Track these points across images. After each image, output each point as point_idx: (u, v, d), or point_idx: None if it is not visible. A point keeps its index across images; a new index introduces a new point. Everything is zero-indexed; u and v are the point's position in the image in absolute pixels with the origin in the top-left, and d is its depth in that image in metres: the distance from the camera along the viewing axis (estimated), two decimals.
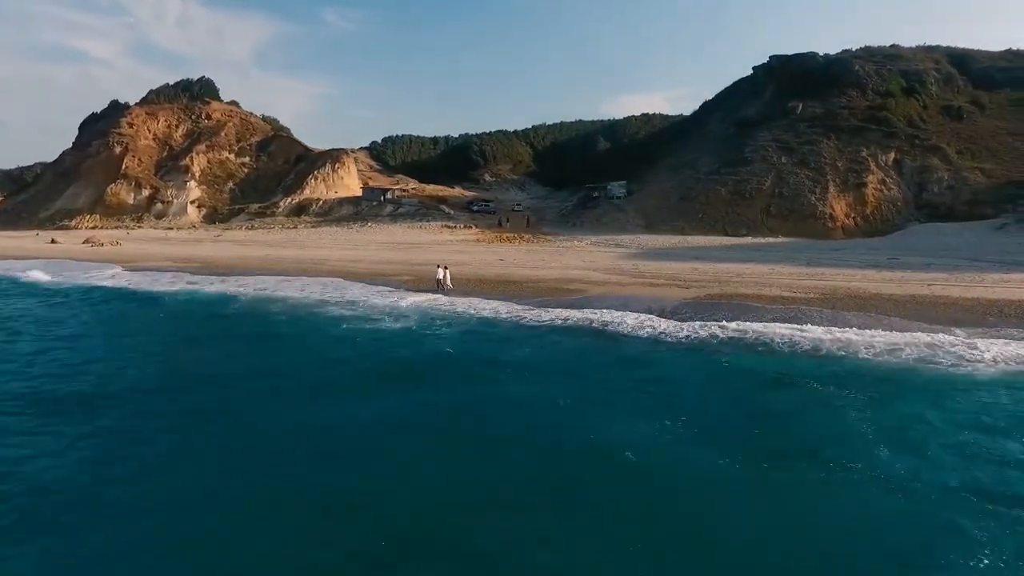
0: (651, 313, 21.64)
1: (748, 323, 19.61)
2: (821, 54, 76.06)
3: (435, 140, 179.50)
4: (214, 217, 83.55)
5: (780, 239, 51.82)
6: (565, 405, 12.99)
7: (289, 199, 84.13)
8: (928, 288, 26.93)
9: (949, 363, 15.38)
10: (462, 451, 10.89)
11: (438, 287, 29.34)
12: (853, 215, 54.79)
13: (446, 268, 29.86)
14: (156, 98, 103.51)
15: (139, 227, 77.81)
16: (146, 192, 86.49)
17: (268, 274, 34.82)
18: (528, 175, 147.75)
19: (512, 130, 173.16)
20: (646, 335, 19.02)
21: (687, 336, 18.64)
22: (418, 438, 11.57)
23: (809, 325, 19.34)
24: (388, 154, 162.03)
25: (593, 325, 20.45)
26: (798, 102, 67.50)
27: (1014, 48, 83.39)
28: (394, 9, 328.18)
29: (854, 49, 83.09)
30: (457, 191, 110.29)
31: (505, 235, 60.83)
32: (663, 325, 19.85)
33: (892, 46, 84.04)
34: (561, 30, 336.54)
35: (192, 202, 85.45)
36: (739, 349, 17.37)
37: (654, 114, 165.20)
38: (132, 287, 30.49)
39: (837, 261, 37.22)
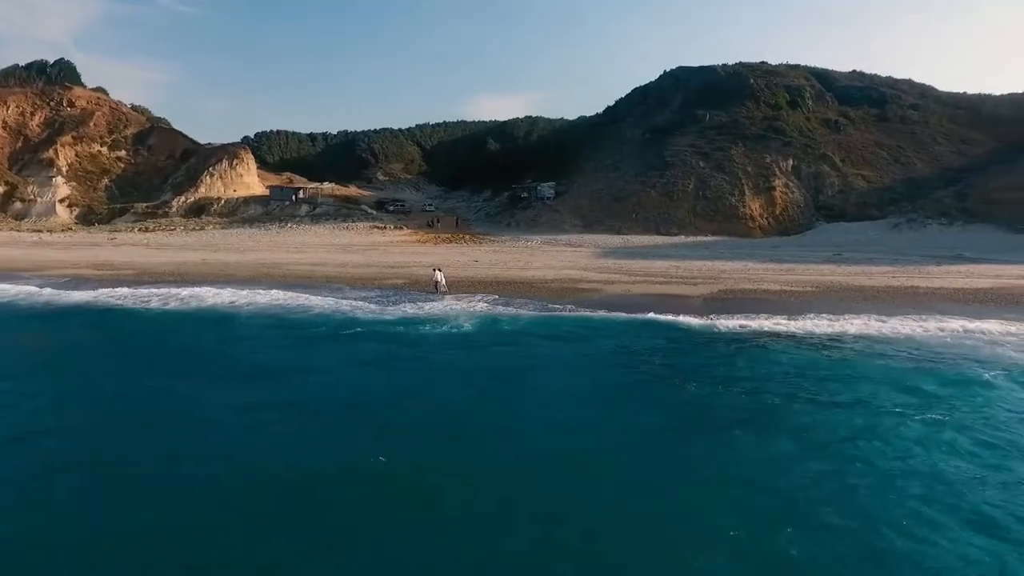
0: (689, 314, 22.44)
1: (798, 320, 21.49)
2: (719, 65, 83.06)
3: (313, 136, 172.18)
4: (90, 218, 73.60)
5: (710, 237, 56.11)
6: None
7: (182, 198, 76.30)
8: (897, 280, 30.93)
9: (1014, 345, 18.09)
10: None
11: (435, 290, 28.76)
12: (766, 216, 60.69)
13: (440, 270, 29.54)
14: (3, 80, 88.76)
15: None
16: None
17: (232, 283, 30.65)
18: (421, 175, 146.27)
19: (398, 128, 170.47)
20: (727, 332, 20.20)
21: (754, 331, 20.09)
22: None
23: (848, 316, 21.86)
24: (265, 150, 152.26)
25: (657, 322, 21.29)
26: (705, 111, 73.31)
27: (858, 70, 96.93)
28: None
29: (731, 63, 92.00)
30: (353, 190, 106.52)
31: (444, 236, 59.99)
32: (726, 323, 21.04)
33: (762, 62, 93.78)
34: (419, 29, 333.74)
35: (61, 201, 74.59)
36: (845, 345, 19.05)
37: (537, 117, 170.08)
38: (114, 302, 26.08)
39: (791, 256, 41.31)
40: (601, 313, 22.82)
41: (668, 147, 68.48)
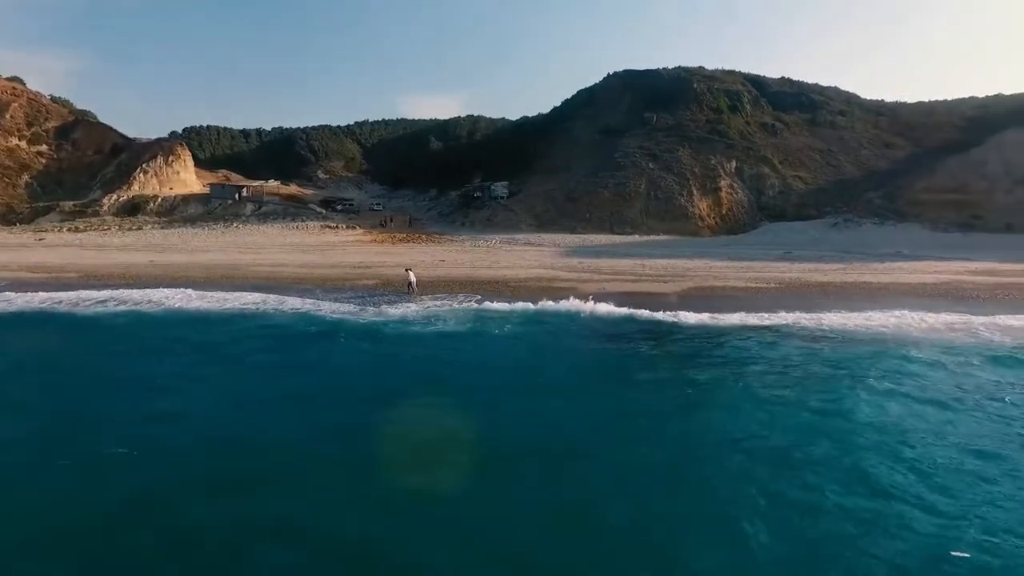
0: (672, 310, 23.06)
1: (785, 313, 22.68)
2: (663, 69, 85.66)
3: (246, 133, 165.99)
4: (10, 217, 68.18)
5: (663, 237, 57.86)
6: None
7: (114, 196, 71.80)
8: (849, 276, 32.95)
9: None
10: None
11: (408, 290, 28.62)
12: (713, 215, 63.15)
13: (412, 270, 29.37)
14: None
15: None
16: None
17: (191, 286, 28.82)
18: (362, 173, 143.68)
19: (337, 125, 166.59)
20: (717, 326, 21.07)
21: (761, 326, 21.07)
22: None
23: (827, 313, 23.13)
24: (195, 146, 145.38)
25: (665, 321, 21.92)
26: (652, 114, 75.45)
27: (786, 76, 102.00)
28: None
29: (670, 67, 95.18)
30: (295, 188, 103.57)
31: (400, 236, 59.23)
32: (710, 319, 21.88)
33: (700, 67, 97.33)
34: (351, 26, 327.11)
35: None
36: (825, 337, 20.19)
37: (479, 116, 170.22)
38: (61, 308, 24.41)
39: (745, 255, 43.20)
40: (588, 311, 23.27)
41: (618, 148, 70.06)
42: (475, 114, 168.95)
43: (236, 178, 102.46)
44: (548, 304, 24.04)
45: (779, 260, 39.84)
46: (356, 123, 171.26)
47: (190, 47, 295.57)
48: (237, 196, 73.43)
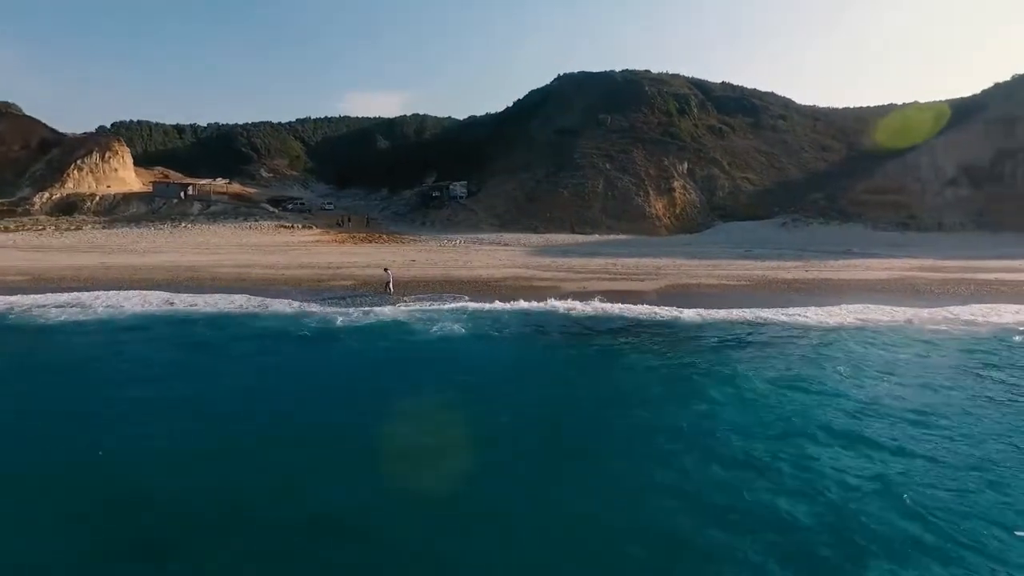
0: (660, 305, 24.04)
1: (763, 310, 23.76)
2: (616, 71, 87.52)
3: (180, 128, 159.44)
4: None
5: (623, 236, 59.16)
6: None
7: (46, 194, 67.45)
8: (810, 274, 34.69)
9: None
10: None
11: (386, 290, 28.44)
12: (669, 215, 65.03)
13: (389, 270, 29.34)
14: None
15: None
16: None
17: (159, 288, 27.58)
18: (306, 171, 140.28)
19: (278, 122, 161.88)
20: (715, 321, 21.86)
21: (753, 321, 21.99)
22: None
23: (805, 308, 24.34)
24: (126, 142, 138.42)
25: (662, 318, 22.52)
26: (607, 115, 76.95)
27: (726, 81, 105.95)
28: None
29: (618, 70, 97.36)
30: (238, 187, 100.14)
31: (361, 236, 58.20)
32: (705, 314, 22.67)
33: (646, 71, 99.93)
34: (284, 19, 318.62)
35: None
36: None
37: (425, 115, 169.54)
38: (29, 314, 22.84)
39: (707, 253, 44.83)
40: (578, 309, 23.63)
41: (576, 149, 71.15)
42: (420, 113, 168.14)
43: (176, 176, 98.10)
44: (540, 303, 24.25)
45: (741, 258, 41.51)
46: (298, 120, 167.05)
47: (116, 38, 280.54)
48: (183, 195, 70.38)
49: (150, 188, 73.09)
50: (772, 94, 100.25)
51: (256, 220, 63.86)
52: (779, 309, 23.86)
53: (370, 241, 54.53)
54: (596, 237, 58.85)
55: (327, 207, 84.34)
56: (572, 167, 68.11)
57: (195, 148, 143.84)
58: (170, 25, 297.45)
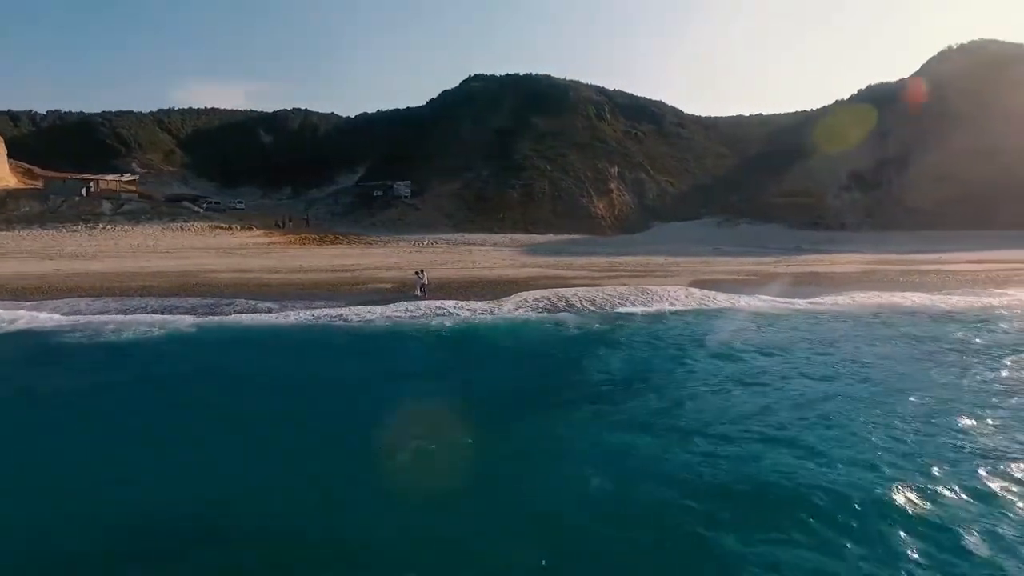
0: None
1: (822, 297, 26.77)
2: (536, 74, 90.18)
3: (14, 115, 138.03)
4: None
5: (576, 235, 61.60)
6: None
7: None
8: (791, 268, 38.96)
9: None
10: None
11: (420, 293, 28.40)
12: (610, 216, 68.66)
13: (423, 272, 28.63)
14: None
15: None
16: None
17: (162, 296, 24.96)
18: (184, 167, 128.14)
19: (142, 112, 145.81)
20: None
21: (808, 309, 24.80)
22: None
23: (821, 296, 27.82)
24: None
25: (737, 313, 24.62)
26: (539, 118, 79.17)
27: (624, 90, 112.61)
28: None
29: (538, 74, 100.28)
30: (113, 181, 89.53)
31: (314, 237, 55.14)
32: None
33: (547, 75, 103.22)
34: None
35: None
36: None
37: (307, 110, 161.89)
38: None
39: (680, 251, 48.30)
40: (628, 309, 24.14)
41: (515, 150, 72.54)
42: (300, 107, 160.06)
43: (37, 171, 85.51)
44: (647, 307, 24.22)
45: (717, 256, 45.49)
46: (161, 110, 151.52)
47: None
48: (85, 192, 61.78)
49: (39, 185, 63.32)
50: (660, 103, 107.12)
51: (185, 221, 57.85)
52: (799, 298, 25.67)
53: (334, 243, 51.97)
54: (551, 236, 60.68)
55: (238, 207, 78.23)
56: (515, 168, 69.51)
57: (39, 138, 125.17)
58: None
